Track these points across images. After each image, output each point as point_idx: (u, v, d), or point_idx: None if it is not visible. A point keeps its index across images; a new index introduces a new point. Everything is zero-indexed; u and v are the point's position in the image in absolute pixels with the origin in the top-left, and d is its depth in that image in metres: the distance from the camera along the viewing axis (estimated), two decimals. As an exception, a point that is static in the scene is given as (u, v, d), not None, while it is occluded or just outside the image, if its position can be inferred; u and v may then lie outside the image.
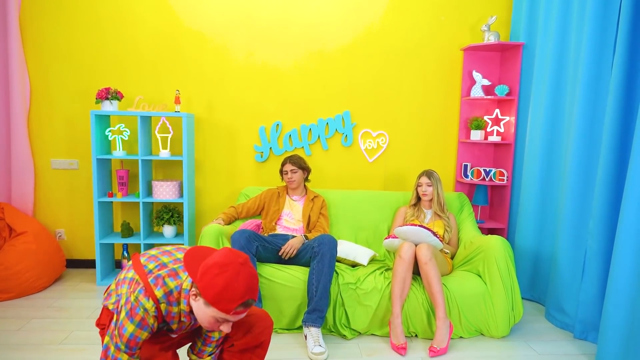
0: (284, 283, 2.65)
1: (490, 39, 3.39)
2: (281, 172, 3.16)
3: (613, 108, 2.43)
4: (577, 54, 2.80)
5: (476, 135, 3.55)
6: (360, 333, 2.67)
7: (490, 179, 3.51)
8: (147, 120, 3.38)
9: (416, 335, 2.65)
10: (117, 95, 3.27)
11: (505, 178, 3.49)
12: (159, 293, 1.48)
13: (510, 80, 3.50)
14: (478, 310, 2.65)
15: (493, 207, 3.76)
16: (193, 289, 1.46)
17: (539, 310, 3.13)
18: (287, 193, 3.19)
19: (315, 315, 2.52)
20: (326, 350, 2.40)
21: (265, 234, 3.00)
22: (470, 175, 3.60)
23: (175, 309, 1.52)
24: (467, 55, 3.60)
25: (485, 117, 3.55)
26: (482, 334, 2.70)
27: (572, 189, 2.76)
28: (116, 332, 1.49)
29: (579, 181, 2.74)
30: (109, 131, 3.35)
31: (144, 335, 1.48)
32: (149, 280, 1.50)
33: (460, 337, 2.66)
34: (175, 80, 3.54)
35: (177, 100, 3.33)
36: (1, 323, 2.67)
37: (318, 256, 2.61)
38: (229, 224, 3.08)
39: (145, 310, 1.46)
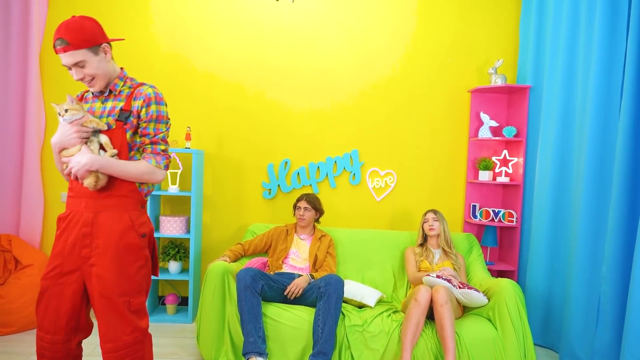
0: (289, 324, 2.60)
1: (497, 81, 3.44)
2: (295, 206, 3.16)
3: (622, 150, 2.43)
4: (584, 97, 2.83)
5: (484, 176, 3.55)
6: (366, 378, 2.58)
7: (500, 220, 3.48)
8: (157, 156, 3.42)
9: (425, 382, 2.56)
10: (129, 131, 3.32)
11: (514, 219, 3.46)
12: None
13: (517, 122, 3.53)
14: (489, 356, 2.55)
15: (502, 248, 3.71)
16: None
17: (552, 357, 3.03)
18: (296, 231, 3.17)
19: (321, 358, 2.45)
20: (331, 395, 2.32)
21: (271, 272, 2.97)
22: (479, 216, 3.57)
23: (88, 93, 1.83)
24: (475, 97, 3.64)
25: (494, 158, 3.56)
26: (493, 382, 2.60)
27: (584, 231, 2.72)
28: None
29: (590, 224, 2.71)
30: (120, 166, 3.39)
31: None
32: None
33: (471, 384, 2.56)
34: (186, 117, 3.61)
35: (188, 137, 3.38)
36: (1, 358, 2.62)
37: (324, 296, 2.57)
38: (235, 261, 3.05)
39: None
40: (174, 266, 3.42)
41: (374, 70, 3.65)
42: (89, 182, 1.65)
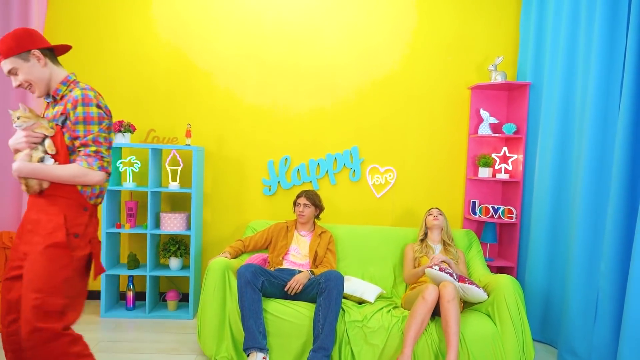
0: (290, 319, 2.62)
1: (497, 78, 3.45)
2: (294, 203, 3.17)
3: (621, 147, 2.43)
4: (584, 94, 2.84)
5: (484, 173, 3.55)
6: (366, 373, 2.60)
7: (499, 217, 3.49)
8: (158, 153, 3.44)
9: (424, 377, 2.58)
10: (129, 128, 3.33)
11: (514, 216, 3.47)
12: None
13: (517, 119, 3.53)
14: (488, 352, 2.57)
15: (502, 245, 3.72)
16: None
17: (551, 352, 3.04)
18: (296, 227, 3.18)
19: (321, 354, 2.47)
20: (331, 390, 2.34)
21: (271, 269, 2.98)
22: (478, 213, 3.58)
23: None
24: (475, 94, 3.65)
25: (493, 155, 3.57)
26: (492, 377, 2.62)
27: (583, 228, 2.74)
28: None
29: (589, 220, 2.72)
30: (120, 163, 3.41)
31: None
32: None
33: (470, 380, 2.58)
34: (187, 114, 3.62)
35: (188, 134, 3.38)
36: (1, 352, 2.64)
37: (325, 292, 2.58)
38: (235, 257, 3.06)
39: None
40: (174, 263, 3.43)
41: (374, 67, 3.65)
42: (22, 187, 1.75)
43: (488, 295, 2.71)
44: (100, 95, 1.81)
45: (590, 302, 2.69)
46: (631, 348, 2.17)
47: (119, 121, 3.30)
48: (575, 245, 2.77)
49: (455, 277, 2.63)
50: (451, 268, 2.73)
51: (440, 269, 2.65)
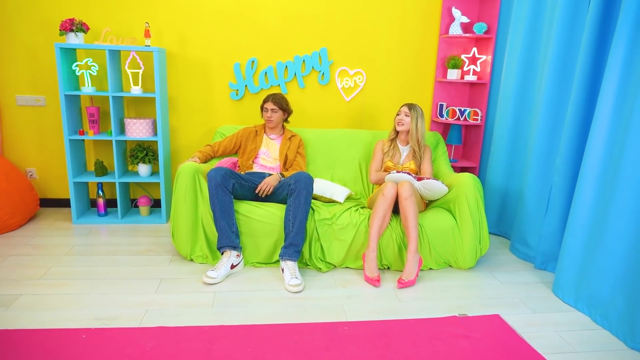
0: (261, 219, 2.71)
1: (471, -27, 3.30)
2: (262, 108, 3.11)
3: (586, 50, 2.45)
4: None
5: (453, 75, 3.55)
6: (335, 266, 2.78)
7: (465, 119, 3.56)
8: (116, 55, 3.24)
9: (388, 268, 2.78)
10: (82, 27, 3.10)
11: (479, 118, 3.54)
12: None
13: (489, 18, 3.46)
14: (447, 244, 2.78)
15: (466, 146, 3.84)
16: None
17: (504, 244, 3.31)
18: (265, 132, 3.17)
19: (292, 249, 2.60)
20: (302, 282, 2.51)
21: (242, 172, 3.01)
22: (445, 115, 3.64)
23: None
24: (448, -9, 3.51)
25: (463, 56, 3.54)
26: (450, 266, 2.86)
27: (543, 128, 2.84)
28: None
29: (549, 121, 2.81)
30: (76, 66, 3.21)
31: None
32: None
33: (430, 268, 2.80)
34: (144, 11, 3.36)
35: (147, 34, 3.18)
36: (-23, 260, 2.67)
37: (295, 193, 2.65)
38: (205, 162, 3.06)
39: None
40: (143, 169, 3.41)
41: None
42: None
43: (448, 188, 2.84)
44: None
45: (543, 197, 2.88)
46: (574, 235, 2.38)
47: (69, 19, 3.05)
48: (534, 144, 2.88)
49: (413, 177, 2.74)
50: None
51: (398, 172, 2.76)
